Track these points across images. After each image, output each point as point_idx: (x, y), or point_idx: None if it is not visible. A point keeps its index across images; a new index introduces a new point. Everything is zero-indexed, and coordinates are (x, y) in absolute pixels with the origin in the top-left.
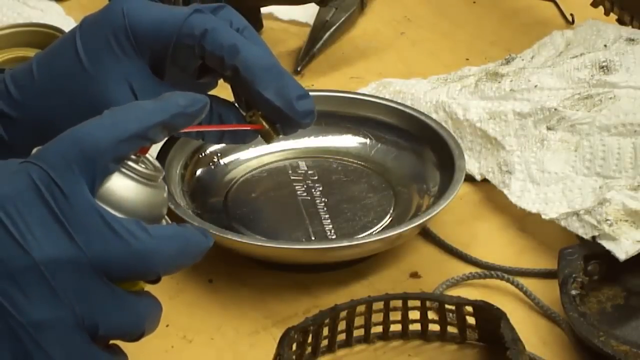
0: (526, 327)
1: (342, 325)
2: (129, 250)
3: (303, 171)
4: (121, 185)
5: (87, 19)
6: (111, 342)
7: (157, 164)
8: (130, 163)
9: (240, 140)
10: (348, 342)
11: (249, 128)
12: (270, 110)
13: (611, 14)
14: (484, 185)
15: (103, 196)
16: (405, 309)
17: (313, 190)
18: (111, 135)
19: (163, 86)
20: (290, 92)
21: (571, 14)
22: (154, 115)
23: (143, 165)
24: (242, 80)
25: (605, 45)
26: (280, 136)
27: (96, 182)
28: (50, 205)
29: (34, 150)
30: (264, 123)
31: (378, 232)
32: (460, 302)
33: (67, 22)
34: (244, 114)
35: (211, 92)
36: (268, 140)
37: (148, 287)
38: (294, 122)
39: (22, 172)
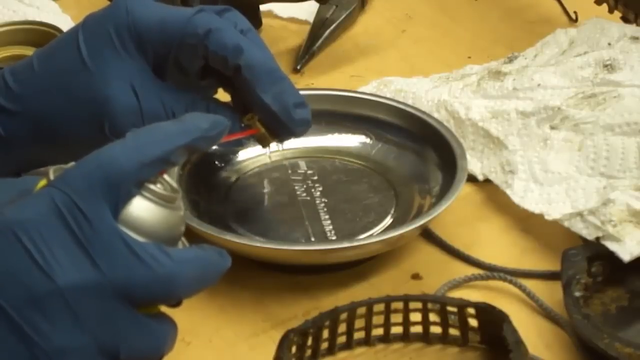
0: (529, 329)
1: (342, 328)
2: (151, 275)
3: (303, 171)
4: (142, 209)
5: (90, 16)
6: None
7: (174, 184)
8: (150, 186)
9: (236, 143)
10: (348, 345)
11: (245, 135)
12: (266, 115)
13: (615, 11)
14: (486, 185)
15: (124, 220)
16: (406, 311)
17: (313, 190)
18: (134, 159)
19: (164, 87)
20: (288, 99)
21: (575, 12)
22: (177, 138)
23: (162, 187)
24: (243, 82)
25: (609, 44)
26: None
27: (119, 206)
28: (73, 230)
29: (50, 171)
30: (261, 127)
31: (379, 233)
32: (462, 304)
33: (63, 20)
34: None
35: None
36: (264, 144)
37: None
38: (288, 129)
39: (45, 196)
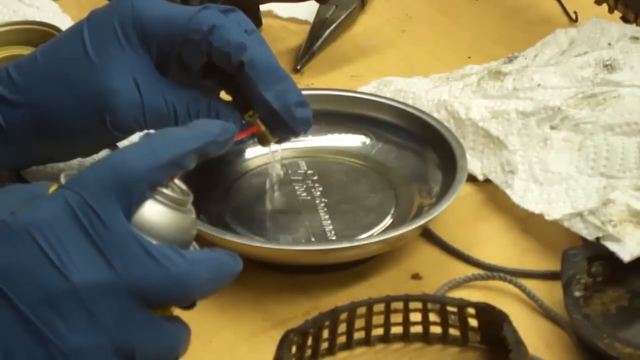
0: (529, 329)
1: (342, 328)
2: (167, 275)
3: (303, 171)
4: (154, 212)
5: (95, 11)
6: None
7: (185, 188)
8: (162, 189)
9: (236, 142)
10: (348, 345)
11: (247, 134)
12: (267, 113)
13: (615, 11)
14: (486, 185)
15: (137, 222)
16: (406, 311)
17: (313, 190)
18: (147, 162)
19: (166, 83)
20: (290, 98)
21: (575, 12)
22: (189, 142)
23: (173, 190)
24: (245, 79)
25: (609, 44)
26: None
27: (132, 209)
28: (87, 231)
29: (62, 176)
30: (262, 125)
31: (379, 232)
32: (462, 304)
33: (63, 20)
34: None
35: None
36: (264, 143)
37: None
38: (288, 128)
39: (59, 198)
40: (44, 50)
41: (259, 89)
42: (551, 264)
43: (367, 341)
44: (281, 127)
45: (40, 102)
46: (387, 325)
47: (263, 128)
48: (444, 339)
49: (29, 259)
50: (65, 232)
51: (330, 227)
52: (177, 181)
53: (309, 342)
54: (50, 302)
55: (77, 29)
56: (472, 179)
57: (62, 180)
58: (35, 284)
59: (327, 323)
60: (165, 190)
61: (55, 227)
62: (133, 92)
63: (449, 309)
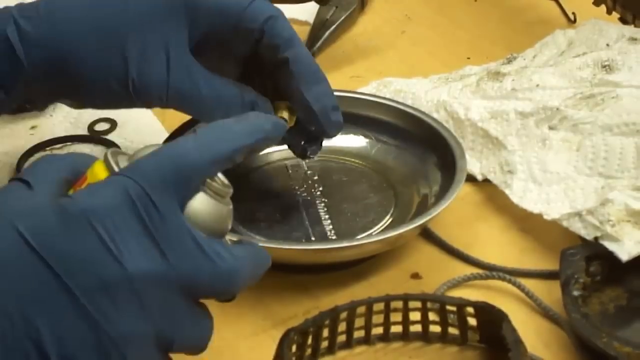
0: (528, 328)
1: (342, 327)
2: (215, 270)
3: (303, 171)
4: (204, 203)
5: None
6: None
7: (226, 180)
8: (210, 181)
9: None
10: (348, 344)
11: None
12: (305, 113)
13: (613, 12)
14: (485, 185)
15: (188, 214)
16: (406, 310)
17: (313, 190)
18: (206, 156)
19: (198, 67)
20: (328, 101)
21: (573, 13)
22: (243, 138)
23: (218, 183)
24: (287, 74)
25: (607, 45)
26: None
27: (186, 201)
28: (145, 222)
29: (109, 154)
30: (285, 113)
31: (378, 232)
32: (461, 303)
33: None
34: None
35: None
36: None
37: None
38: (323, 130)
39: (119, 185)
40: None
41: (300, 88)
42: (550, 264)
43: (367, 340)
44: (316, 128)
45: (66, 46)
46: (386, 324)
47: (286, 117)
48: (443, 338)
49: (86, 246)
50: (123, 221)
51: (330, 227)
52: (219, 174)
53: (309, 341)
54: (105, 288)
55: None
56: (471, 179)
57: (109, 156)
58: (91, 271)
59: (327, 322)
60: (212, 182)
61: (114, 216)
62: (162, 68)
63: (448, 308)
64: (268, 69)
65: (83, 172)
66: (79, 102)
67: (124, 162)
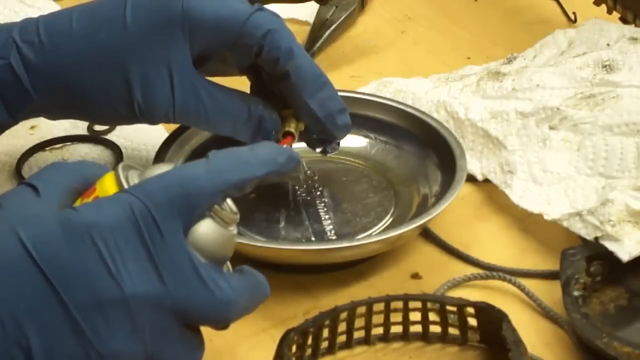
0: (528, 328)
1: (342, 327)
2: (211, 298)
3: (303, 171)
4: (209, 229)
5: None
6: None
7: (234, 207)
8: (217, 208)
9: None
10: (348, 344)
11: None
12: (310, 119)
13: (614, 12)
14: (485, 185)
15: (191, 238)
16: (406, 310)
17: (313, 190)
18: (216, 183)
19: (202, 82)
20: (333, 106)
21: (573, 13)
22: (255, 169)
23: (225, 210)
24: (289, 85)
25: (608, 44)
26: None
27: (190, 226)
28: (146, 243)
29: (120, 168)
30: (293, 121)
31: (378, 232)
32: (461, 304)
33: None
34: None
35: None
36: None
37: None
38: (330, 135)
39: (125, 204)
40: (80, 17)
41: (304, 97)
42: (550, 264)
43: (367, 340)
44: (323, 133)
45: (69, 74)
46: (386, 324)
47: (293, 125)
48: (443, 338)
49: (86, 261)
50: (125, 240)
51: (330, 227)
52: (228, 200)
53: (309, 341)
54: (99, 306)
55: (119, 5)
56: (471, 179)
57: (120, 171)
58: (88, 287)
59: (327, 322)
60: (219, 209)
61: (117, 235)
62: (166, 88)
63: (449, 308)
64: (271, 79)
65: (92, 182)
66: (88, 121)
67: (134, 179)
